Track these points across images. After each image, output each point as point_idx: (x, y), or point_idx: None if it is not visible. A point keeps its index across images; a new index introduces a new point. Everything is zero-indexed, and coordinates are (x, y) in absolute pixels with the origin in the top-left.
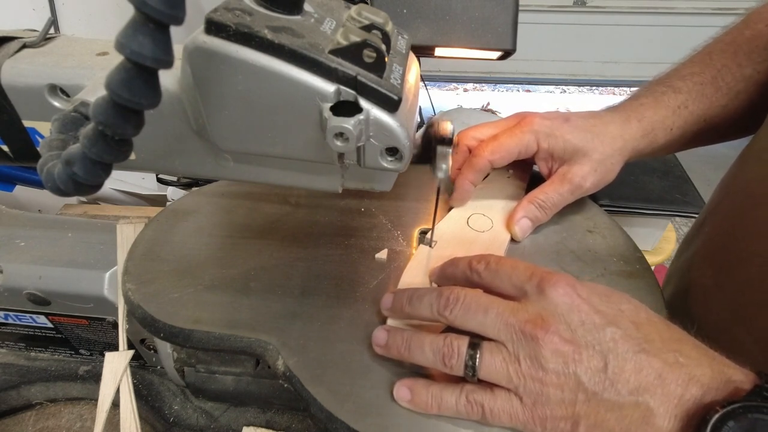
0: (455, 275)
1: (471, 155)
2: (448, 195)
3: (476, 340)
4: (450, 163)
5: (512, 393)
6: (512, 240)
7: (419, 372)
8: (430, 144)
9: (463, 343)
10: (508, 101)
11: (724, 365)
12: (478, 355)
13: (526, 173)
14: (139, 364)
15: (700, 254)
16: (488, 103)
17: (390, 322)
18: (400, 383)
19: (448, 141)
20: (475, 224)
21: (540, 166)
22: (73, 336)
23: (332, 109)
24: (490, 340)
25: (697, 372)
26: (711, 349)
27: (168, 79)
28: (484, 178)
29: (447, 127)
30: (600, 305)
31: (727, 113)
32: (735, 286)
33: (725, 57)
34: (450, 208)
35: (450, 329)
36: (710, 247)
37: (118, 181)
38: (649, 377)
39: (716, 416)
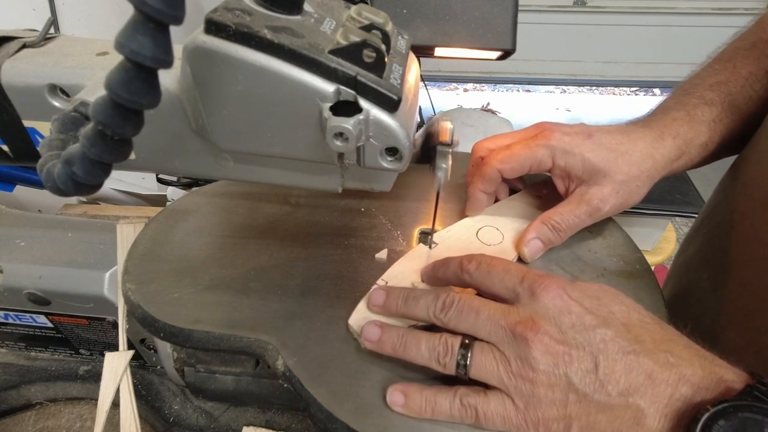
0: (446, 275)
1: (481, 163)
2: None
3: (469, 340)
4: (450, 162)
5: (505, 395)
6: (520, 260)
7: (413, 376)
8: (430, 144)
9: (457, 342)
10: (508, 101)
11: (716, 365)
12: (469, 354)
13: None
14: (139, 364)
15: (697, 256)
16: (488, 103)
17: (362, 314)
18: (393, 388)
19: (447, 141)
20: (485, 236)
21: (557, 184)
22: (73, 336)
23: (332, 109)
24: (483, 341)
25: (687, 372)
26: (703, 349)
27: (168, 79)
28: (512, 193)
29: (447, 128)
30: (591, 307)
31: (754, 122)
32: (731, 288)
33: (749, 63)
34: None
35: (433, 329)
36: (707, 250)
37: (118, 181)
38: (639, 378)
39: (707, 415)
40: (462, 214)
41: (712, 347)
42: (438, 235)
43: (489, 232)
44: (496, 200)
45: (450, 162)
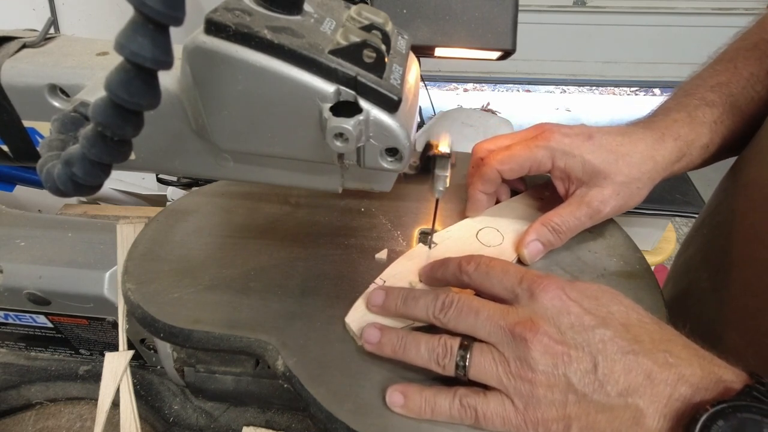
0: (445, 276)
1: (481, 164)
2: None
3: (468, 341)
4: (449, 172)
5: (504, 396)
6: (519, 262)
7: (413, 377)
8: (429, 160)
9: (456, 343)
10: (508, 101)
11: (715, 365)
12: (468, 355)
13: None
14: (139, 364)
15: (697, 257)
16: (488, 103)
17: (359, 313)
18: (393, 388)
19: (446, 156)
20: (485, 237)
21: (557, 186)
22: (73, 336)
23: (332, 109)
24: (482, 342)
25: (686, 372)
26: (702, 349)
27: (168, 79)
28: (514, 195)
29: (446, 143)
30: (590, 307)
31: (755, 123)
32: (731, 289)
33: (751, 64)
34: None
35: (430, 329)
36: (708, 250)
37: (118, 181)
38: (638, 378)
39: (706, 415)
40: (462, 215)
41: (712, 347)
42: (438, 235)
43: (489, 233)
44: (498, 202)
45: (449, 172)
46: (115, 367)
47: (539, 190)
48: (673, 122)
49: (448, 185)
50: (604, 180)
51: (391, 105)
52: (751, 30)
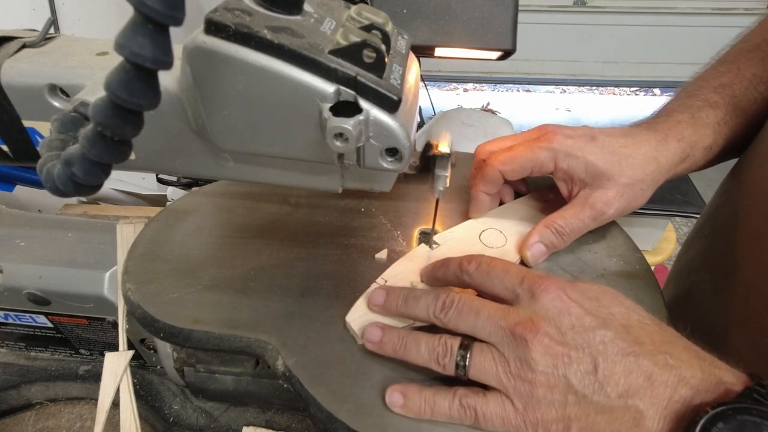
0: (446, 276)
1: (483, 165)
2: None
3: (468, 341)
4: (449, 172)
5: (504, 396)
6: (522, 263)
7: (414, 377)
8: (429, 159)
9: (456, 342)
10: (508, 101)
11: (715, 367)
12: (468, 355)
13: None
14: (139, 364)
15: (699, 258)
16: (488, 103)
17: (360, 312)
18: (392, 388)
19: (446, 156)
20: (487, 239)
21: (560, 187)
22: (73, 336)
23: (332, 109)
24: (483, 342)
25: (687, 374)
26: (703, 351)
27: (168, 79)
28: (517, 197)
29: (446, 143)
30: (591, 308)
31: (758, 124)
32: (733, 290)
33: (753, 65)
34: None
35: (431, 329)
36: (709, 252)
37: (118, 181)
38: (639, 380)
39: (705, 417)
40: (463, 216)
41: (713, 349)
42: (440, 236)
43: (492, 235)
44: (501, 203)
45: (449, 172)
46: (115, 367)
47: (543, 192)
48: (677, 123)
49: (447, 185)
50: (608, 182)
51: (391, 105)
52: (753, 31)
